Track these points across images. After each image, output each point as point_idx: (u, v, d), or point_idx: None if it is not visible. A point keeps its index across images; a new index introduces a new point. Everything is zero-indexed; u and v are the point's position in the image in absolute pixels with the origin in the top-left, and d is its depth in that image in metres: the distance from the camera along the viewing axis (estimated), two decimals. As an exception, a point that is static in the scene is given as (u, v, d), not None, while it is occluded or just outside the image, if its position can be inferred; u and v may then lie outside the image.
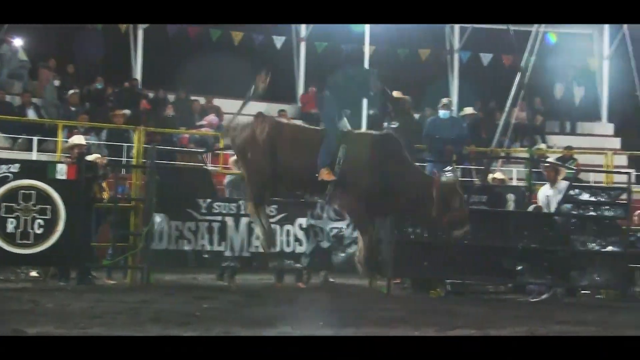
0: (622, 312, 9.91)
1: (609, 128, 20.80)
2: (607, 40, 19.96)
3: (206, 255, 11.46)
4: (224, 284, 11.63)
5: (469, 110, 12.82)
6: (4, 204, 10.51)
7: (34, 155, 14.68)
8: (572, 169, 13.51)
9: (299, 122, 10.91)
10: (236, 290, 11.16)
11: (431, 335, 6.96)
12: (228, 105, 18.95)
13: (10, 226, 10.50)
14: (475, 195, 11.94)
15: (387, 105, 11.58)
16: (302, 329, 7.38)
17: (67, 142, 11.98)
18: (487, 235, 11.15)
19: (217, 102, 18.64)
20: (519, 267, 11.15)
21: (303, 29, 19.56)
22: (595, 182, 15.26)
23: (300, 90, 19.67)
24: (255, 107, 18.57)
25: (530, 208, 11.55)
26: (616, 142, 20.03)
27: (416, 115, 17.01)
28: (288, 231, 11.66)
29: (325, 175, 9.21)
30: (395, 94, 12.86)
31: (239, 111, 10.12)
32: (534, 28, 18.19)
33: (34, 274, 11.68)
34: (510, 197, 12.19)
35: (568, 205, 11.42)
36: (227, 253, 11.48)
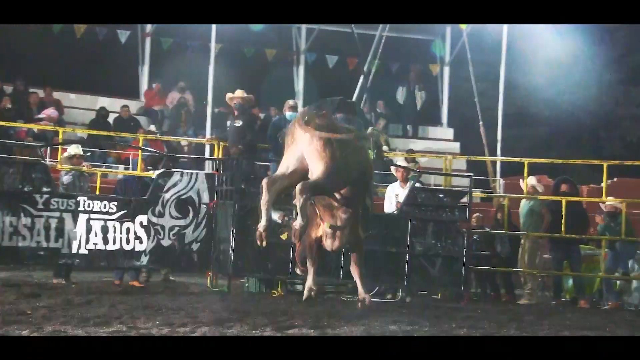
0: (458, 311, 10.18)
1: (449, 132, 21.39)
2: (449, 47, 20.52)
3: (42, 252, 11.10)
4: (61, 282, 11.31)
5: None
6: None
7: None
8: (416, 172, 13.83)
9: None
10: (73, 288, 10.87)
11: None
12: (68, 98, 18.47)
13: None
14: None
15: None
16: (138, 328, 7.24)
17: None
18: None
19: (57, 95, 18.08)
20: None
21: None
22: (435, 185, 15.67)
23: (144, 86, 19.32)
24: (99, 102, 18.30)
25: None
26: (456, 147, 20.62)
27: (261, 115, 17.05)
28: (128, 229, 11.43)
29: None
30: (238, 92, 12.86)
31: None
32: (377, 32, 18.51)
33: None
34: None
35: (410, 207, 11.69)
36: (65, 250, 11.16)
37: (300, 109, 16.40)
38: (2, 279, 11.36)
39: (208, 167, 15.51)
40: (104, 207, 11.38)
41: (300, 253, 9.12)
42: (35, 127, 15.97)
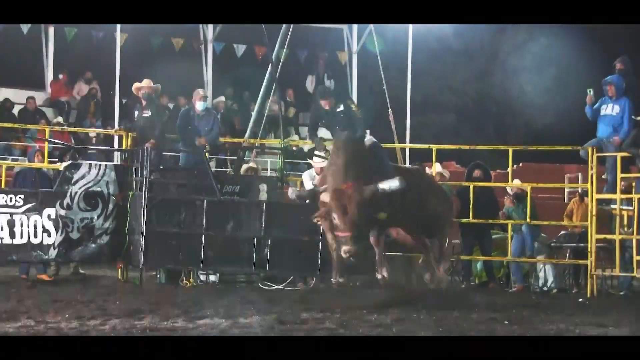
0: (371, 298, 10.27)
1: (359, 120, 21.46)
2: (357, 35, 20.63)
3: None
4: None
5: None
6: None
7: None
8: (325, 159, 13.88)
9: None
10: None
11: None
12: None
13: None
14: (229, 185, 11.98)
15: None
16: (47, 322, 7.13)
17: None
18: (239, 225, 11.27)
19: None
20: (271, 257, 11.32)
21: (52, 13, 18.78)
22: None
23: (50, 77, 18.92)
24: (3, 93, 17.84)
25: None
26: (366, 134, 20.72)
27: (170, 105, 16.89)
28: (35, 222, 11.20)
29: None
30: (145, 82, 12.71)
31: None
32: (285, 20, 18.45)
33: None
34: (263, 187, 12.31)
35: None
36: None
37: (209, 98, 16.33)
38: None
39: (117, 158, 15.31)
40: (10, 201, 11.14)
41: None
42: None
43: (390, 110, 18.09)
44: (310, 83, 20.77)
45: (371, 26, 18.37)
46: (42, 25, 18.53)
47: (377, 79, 18.31)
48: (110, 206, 11.47)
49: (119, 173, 11.64)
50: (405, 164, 17.71)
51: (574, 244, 12.62)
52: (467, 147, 14.41)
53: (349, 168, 9.26)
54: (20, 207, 11.16)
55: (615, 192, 12.11)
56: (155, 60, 17.95)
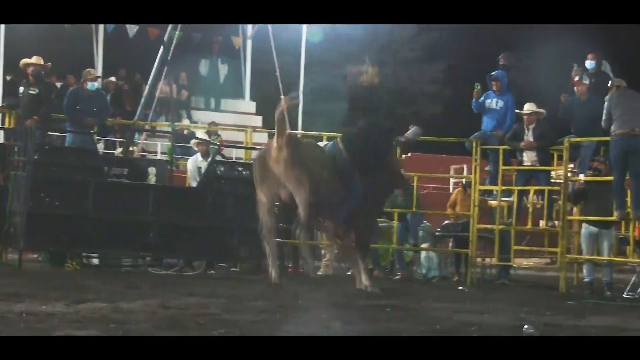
0: (256, 283, 10.34)
1: (252, 106, 21.51)
2: (250, 20, 20.58)
3: None
4: None
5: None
6: None
7: None
8: (216, 144, 13.87)
9: None
10: None
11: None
12: None
13: None
14: (116, 167, 11.83)
15: None
16: None
17: None
18: (126, 208, 11.14)
19: None
20: (158, 241, 11.24)
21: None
22: (237, 159, 15.76)
23: None
24: None
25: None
26: (258, 120, 20.77)
27: (58, 84, 16.54)
28: None
29: None
30: (35, 59, 12.42)
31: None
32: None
33: None
34: (152, 170, 12.21)
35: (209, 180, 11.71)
36: None
37: (100, 79, 16.04)
38: None
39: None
40: None
41: None
42: None
43: (282, 96, 18.11)
44: (203, 66, 20.66)
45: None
46: None
47: (271, 65, 18.35)
48: (-10, 186, 11.19)
49: (1, 152, 11.34)
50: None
51: (457, 233, 12.94)
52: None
53: None
54: None
55: (496, 184, 12.47)
56: (45, 37, 17.55)
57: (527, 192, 12.55)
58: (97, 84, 13.06)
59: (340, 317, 7.30)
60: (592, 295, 10.80)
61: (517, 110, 12.58)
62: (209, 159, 12.22)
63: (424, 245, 12.99)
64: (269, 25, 17.79)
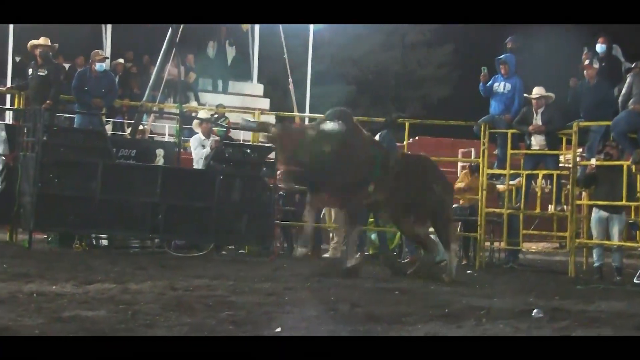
0: (263, 265, 10.35)
1: (259, 88, 21.48)
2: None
3: None
4: None
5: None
6: None
7: None
8: (224, 127, 13.86)
9: None
10: None
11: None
12: None
13: None
14: (125, 149, 11.84)
15: None
16: None
17: None
18: (134, 190, 11.15)
19: None
20: (166, 223, 11.25)
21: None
22: (244, 141, 15.76)
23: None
24: None
25: None
26: (265, 103, 20.74)
27: (66, 65, 16.51)
28: None
29: None
30: (43, 40, 12.41)
31: None
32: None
33: None
34: (160, 152, 12.21)
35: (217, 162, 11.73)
36: None
37: (108, 60, 16.00)
38: None
39: (8, 118, 14.93)
40: None
41: None
42: None
43: (290, 79, 18.13)
44: (211, 49, 20.61)
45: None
46: None
47: (279, 48, 18.31)
48: (0, 167, 11.21)
49: (10, 133, 11.35)
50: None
51: (465, 217, 12.92)
52: (365, 118, 14.56)
53: None
54: None
55: (505, 168, 12.44)
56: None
57: (535, 176, 12.52)
58: (105, 65, 13.04)
59: (348, 300, 7.31)
60: (602, 280, 10.78)
61: (525, 94, 12.53)
62: (215, 140, 12.23)
63: (431, 229, 12.96)
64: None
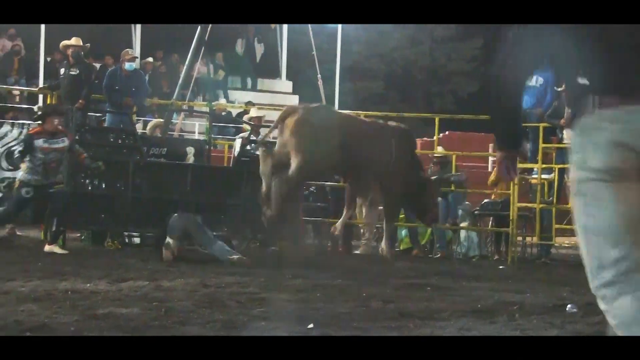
0: (292, 263, 10.34)
1: (288, 85, 21.50)
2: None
3: None
4: None
5: None
6: None
7: None
8: (250, 124, 13.88)
9: None
10: None
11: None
12: None
13: None
14: (155, 147, 11.90)
15: None
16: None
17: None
18: (165, 188, 11.20)
19: None
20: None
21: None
22: (274, 138, 15.75)
23: (-28, 32, 18.48)
24: None
25: None
26: (294, 99, 20.76)
27: (97, 65, 16.63)
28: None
29: None
30: (74, 40, 12.49)
31: None
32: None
33: None
34: (190, 150, 12.26)
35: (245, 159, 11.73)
36: None
37: (138, 59, 16.10)
38: None
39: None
40: None
41: None
42: None
43: (319, 75, 18.13)
44: (240, 46, 20.66)
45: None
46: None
47: (307, 45, 18.32)
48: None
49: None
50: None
51: (496, 212, 12.86)
52: (394, 114, 14.55)
53: None
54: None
55: (536, 162, 12.36)
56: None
57: (568, 170, 12.40)
58: (134, 65, 13.12)
59: (379, 296, 7.30)
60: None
61: (557, 88, 12.43)
62: (243, 137, 12.24)
63: (463, 224, 12.92)
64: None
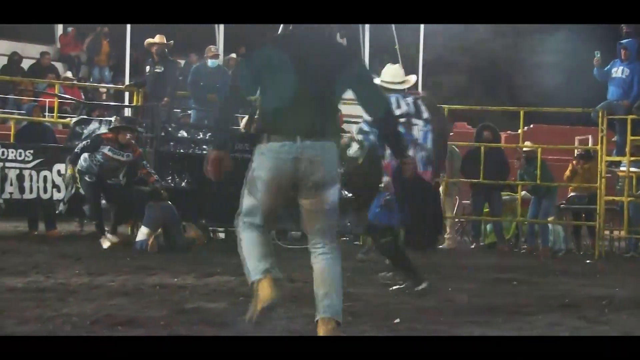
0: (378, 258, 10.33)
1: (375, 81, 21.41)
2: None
3: None
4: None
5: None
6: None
7: None
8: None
9: None
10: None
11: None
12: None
13: None
14: (240, 143, 11.96)
15: None
16: (56, 277, 7.18)
17: None
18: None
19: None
20: (281, 214, 11.28)
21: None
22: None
23: (59, 31, 18.89)
24: (12, 47, 17.78)
25: None
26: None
27: (181, 61, 16.84)
28: (45, 177, 11.22)
29: None
30: (158, 38, 12.67)
31: None
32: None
33: None
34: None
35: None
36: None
37: (221, 56, 16.24)
38: None
39: (127, 114, 15.29)
40: (20, 155, 11.12)
41: None
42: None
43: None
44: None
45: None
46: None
47: (390, 38, 18.24)
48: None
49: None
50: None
51: (583, 206, 12.64)
52: (478, 107, 14.40)
53: None
54: (29, 162, 11.14)
55: (624, 155, 12.09)
56: (166, 16, 17.85)
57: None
58: (217, 61, 13.24)
59: (465, 291, 7.25)
60: None
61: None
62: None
63: (550, 218, 12.71)
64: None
